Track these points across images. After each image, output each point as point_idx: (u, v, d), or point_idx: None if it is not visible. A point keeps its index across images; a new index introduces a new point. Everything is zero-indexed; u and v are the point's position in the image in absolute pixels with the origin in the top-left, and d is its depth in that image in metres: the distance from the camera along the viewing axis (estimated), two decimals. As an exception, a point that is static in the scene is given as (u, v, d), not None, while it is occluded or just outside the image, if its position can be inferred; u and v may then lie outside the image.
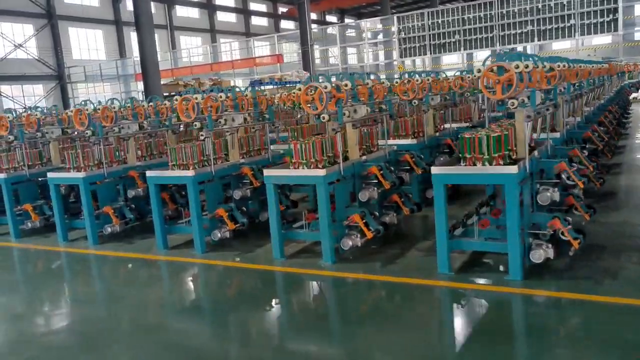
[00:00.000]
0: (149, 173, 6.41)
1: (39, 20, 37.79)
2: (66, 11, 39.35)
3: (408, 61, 34.83)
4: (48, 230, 7.91)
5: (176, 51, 45.09)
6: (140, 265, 6.33)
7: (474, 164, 4.70)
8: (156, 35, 45.93)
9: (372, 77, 7.21)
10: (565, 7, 28.67)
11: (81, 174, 6.94)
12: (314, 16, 58.79)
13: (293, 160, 5.55)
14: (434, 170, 4.83)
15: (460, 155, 4.84)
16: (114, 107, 7.32)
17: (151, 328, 4.48)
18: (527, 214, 4.85)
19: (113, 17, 42.89)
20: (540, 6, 29.22)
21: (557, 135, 6.45)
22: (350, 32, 46.36)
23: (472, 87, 9.37)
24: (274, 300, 5.00)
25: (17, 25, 36.91)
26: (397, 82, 7.90)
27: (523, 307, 4.38)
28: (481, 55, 35.99)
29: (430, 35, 32.45)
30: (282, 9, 58.61)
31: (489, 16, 30.70)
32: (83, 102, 8.09)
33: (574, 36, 28.85)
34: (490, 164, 4.64)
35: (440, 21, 32.01)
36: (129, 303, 5.12)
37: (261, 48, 43.14)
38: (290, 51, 44.58)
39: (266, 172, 5.64)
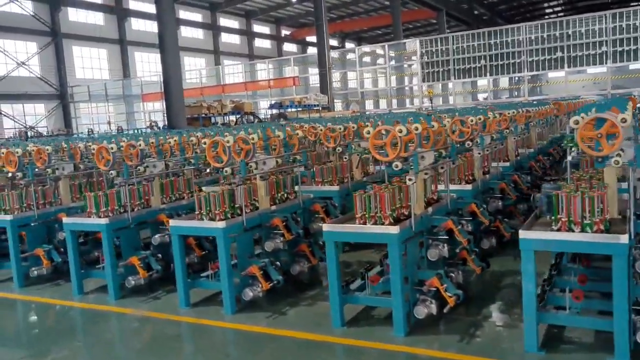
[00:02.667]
0: (330, 227, 4.91)
1: (42, 37, 36.31)
2: (70, 29, 37.94)
3: (415, 85, 33.73)
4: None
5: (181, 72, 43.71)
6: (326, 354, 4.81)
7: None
8: (158, 55, 44.83)
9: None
10: (597, 34, 27.99)
11: (220, 224, 5.44)
12: (314, 39, 58.20)
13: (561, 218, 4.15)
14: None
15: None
16: (252, 139, 5.86)
17: None
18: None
19: (118, 36, 41.52)
20: (570, 32, 28.53)
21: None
22: (351, 56, 45.53)
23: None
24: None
25: (21, 42, 35.34)
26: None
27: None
28: (480, 82, 35.43)
29: (454, 60, 31.54)
30: (285, 32, 57.79)
31: (516, 41, 29.91)
32: (220, 129, 6.58)
33: (606, 63, 28.14)
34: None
35: (465, 45, 31.13)
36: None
37: (262, 72, 42.01)
38: (294, 74, 43.54)
39: (524, 234, 4.19)
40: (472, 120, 6.78)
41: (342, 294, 4.92)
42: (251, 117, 28.39)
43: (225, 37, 50.80)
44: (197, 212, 5.70)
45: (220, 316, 5.52)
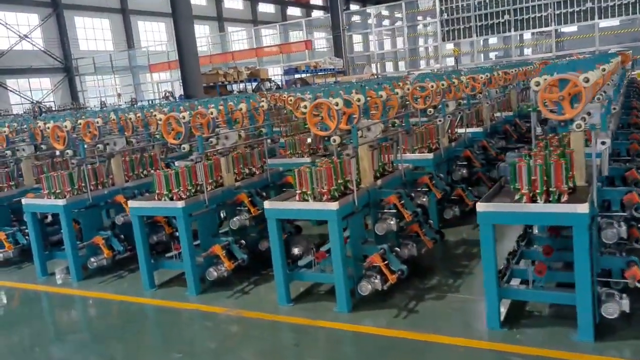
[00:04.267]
0: (488, 207, 3.94)
1: (44, 9, 34.79)
2: (71, -1, 36.29)
3: (423, 46, 32.16)
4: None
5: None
6: None
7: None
8: (163, 24, 43.26)
9: None
10: (631, -19, 26.45)
11: (332, 205, 4.50)
12: (319, 1, 56.24)
13: None
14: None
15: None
16: (358, 100, 4.85)
17: None
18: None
19: (119, 5, 39.85)
20: (602, -20, 26.98)
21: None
22: (356, 19, 43.90)
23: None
24: None
25: (22, 15, 33.88)
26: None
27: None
28: (492, 40, 33.75)
29: (476, 15, 30.04)
30: (288, -5, 55.88)
31: (543, -7, 28.36)
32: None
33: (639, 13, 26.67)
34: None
35: (487, 0, 29.58)
36: None
37: (267, 37, 40.63)
38: (298, 38, 42.04)
39: None
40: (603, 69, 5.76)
41: (498, 287, 4.01)
42: (268, 84, 27.24)
43: (228, 3, 49.05)
44: (297, 191, 4.74)
45: (334, 315, 4.61)
